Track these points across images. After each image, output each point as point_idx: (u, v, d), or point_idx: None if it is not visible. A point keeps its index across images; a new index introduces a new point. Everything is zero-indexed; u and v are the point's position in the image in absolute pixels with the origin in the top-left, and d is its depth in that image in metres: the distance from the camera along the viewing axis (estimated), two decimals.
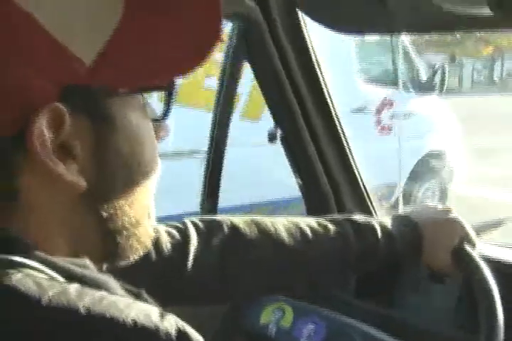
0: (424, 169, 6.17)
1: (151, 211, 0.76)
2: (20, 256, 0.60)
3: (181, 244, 1.16)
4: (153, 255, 1.12)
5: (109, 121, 0.66)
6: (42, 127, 0.60)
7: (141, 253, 0.75)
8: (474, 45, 26.62)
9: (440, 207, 1.37)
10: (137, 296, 0.68)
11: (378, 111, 5.88)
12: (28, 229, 0.64)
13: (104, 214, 0.68)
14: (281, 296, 1.57)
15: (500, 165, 8.34)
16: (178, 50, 0.66)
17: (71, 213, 0.66)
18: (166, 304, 0.69)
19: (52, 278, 0.61)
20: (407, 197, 5.91)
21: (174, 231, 1.17)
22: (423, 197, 6.19)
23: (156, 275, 1.12)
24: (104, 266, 0.90)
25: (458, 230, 1.31)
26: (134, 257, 0.75)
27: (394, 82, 5.88)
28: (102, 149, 0.66)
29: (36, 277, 0.58)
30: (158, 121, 0.74)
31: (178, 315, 0.61)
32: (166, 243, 1.14)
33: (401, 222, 1.33)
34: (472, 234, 1.32)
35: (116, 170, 0.68)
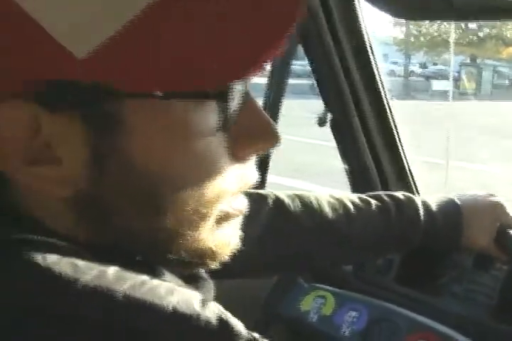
0: None
1: (209, 226, 0.66)
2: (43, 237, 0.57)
3: None
4: None
5: (116, 126, 0.56)
6: (13, 123, 0.54)
7: (214, 265, 0.69)
8: (494, 46, 26.48)
9: (482, 192, 1.36)
10: (193, 274, 0.67)
11: None
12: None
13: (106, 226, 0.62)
14: (322, 284, 1.56)
15: None
16: (231, 46, 0.54)
17: (65, 213, 0.60)
18: (212, 277, 0.68)
19: (89, 260, 0.57)
20: None
21: None
22: None
23: None
24: None
25: (500, 213, 1.31)
26: (199, 268, 0.70)
27: None
28: (104, 157, 0.57)
29: (72, 258, 0.55)
30: (220, 131, 0.61)
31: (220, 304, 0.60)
32: None
33: (443, 202, 1.32)
34: None
35: (121, 183, 0.59)
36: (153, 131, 0.57)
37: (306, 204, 1.22)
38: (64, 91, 0.53)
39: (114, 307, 0.53)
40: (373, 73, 1.64)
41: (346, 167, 1.71)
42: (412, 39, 28.03)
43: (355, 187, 1.74)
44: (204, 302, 0.57)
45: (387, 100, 1.66)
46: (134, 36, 0.52)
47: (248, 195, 1.19)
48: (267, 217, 1.19)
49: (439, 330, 1.36)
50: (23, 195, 0.60)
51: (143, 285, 0.55)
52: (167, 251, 0.64)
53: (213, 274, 1.10)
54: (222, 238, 0.68)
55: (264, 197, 1.21)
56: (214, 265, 0.69)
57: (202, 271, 0.68)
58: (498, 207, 1.32)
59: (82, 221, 0.61)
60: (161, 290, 0.56)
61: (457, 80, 24.23)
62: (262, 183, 1.69)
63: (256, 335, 0.59)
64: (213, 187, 0.62)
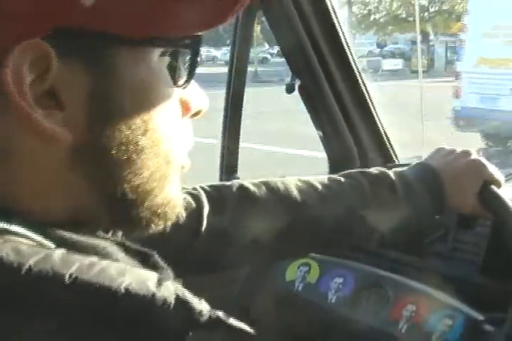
0: None
1: (172, 180, 0.67)
2: (2, 222, 0.55)
3: (196, 211, 1.12)
4: None
5: (110, 71, 0.58)
6: (21, 65, 0.53)
7: (161, 227, 0.68)
8: (444, 21, 26.68)
9: (459, 149, 1.30)
10: (146, 258, 0.63)
11: None
12: (20, 190, 0.59)
13: (97, 176, 0.60)
14: None
15: None
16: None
17: (63, 169, 0.59)
18: (181, 273, 0.65)
19: (38, 245, 0.55)
20: None
21: (188, 197, 1.12)
22: None
23: (171, 243, 1.03)
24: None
25: (481, 171, 1.26)
26: (150, 230, 0.68)
27: None
28: (99, 101, 0.58)
29: (17, 243, 0.53)
30: (180, 87, 0.65)
31: (198, 282, 0.57)
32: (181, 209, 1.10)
33: (421, 170, 1.27)
34: (497, 174, 1.27)
35: (114, 129, 0.59)
36: (140, 76, 0.60)
37: (272, 190, 1.18)
38: (73, 36, 0.55)
39: (61, 292, 0.51)
40: (339, 38, 1.61)
41: (320, 133, 1.68)
42: (360, 18, 28.20)
43: (331, 153, 1.72)
44: (160, 282, 0.55)
45: (355, 63, 1.63)
46: None
47: (211, 186, 1.18)
48: (232, 205, 1.16)
49: (428, 293, 1.35)
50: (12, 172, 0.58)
51: (92, 267, 0.53)
52: (134, 209, 0.64)
53: (188, 270, 1.08)
54: (173, 195, 0.68)
55: (228, 187, 1.18)
56: (162, 225, 0.68)
57: (161, 261, 0.65)
58: (477, 166, 1.26)
59: (83, 174, 0.60)
60: (112, 271, 0.54)
61: (408, 59, 24.25)
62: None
63: (219, 313, 0.57)
64: (179, 136, 0.67)
